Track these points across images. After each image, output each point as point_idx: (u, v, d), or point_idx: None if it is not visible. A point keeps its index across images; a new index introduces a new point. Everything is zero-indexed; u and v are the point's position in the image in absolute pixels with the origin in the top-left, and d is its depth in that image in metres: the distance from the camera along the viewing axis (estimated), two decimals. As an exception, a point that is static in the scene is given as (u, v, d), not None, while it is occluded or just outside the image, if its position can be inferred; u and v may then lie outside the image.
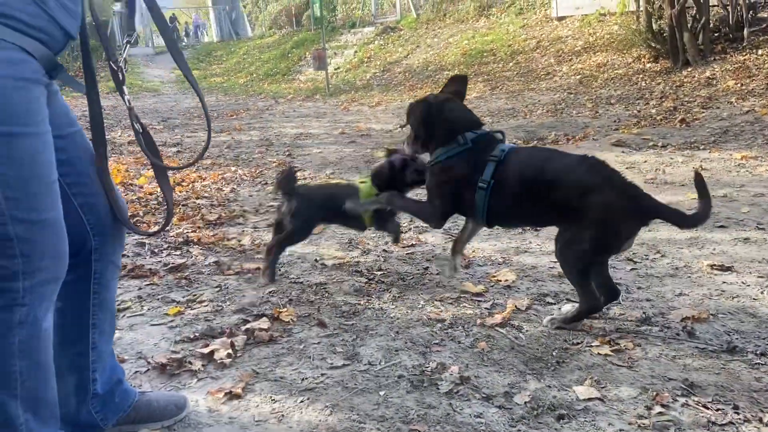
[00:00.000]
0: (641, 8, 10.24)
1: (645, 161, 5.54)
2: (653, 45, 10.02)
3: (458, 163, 2.55)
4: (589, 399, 1.97)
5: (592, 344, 2.34)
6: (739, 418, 1.85)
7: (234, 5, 32.81)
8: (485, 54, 13.77)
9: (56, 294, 1.42)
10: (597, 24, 12.77)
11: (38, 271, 1.33)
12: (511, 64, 12.71)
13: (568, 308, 2.59)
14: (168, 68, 22.31)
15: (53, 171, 1.36)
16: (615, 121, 7.63)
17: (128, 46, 1.63)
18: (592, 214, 2.30)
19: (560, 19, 13.91)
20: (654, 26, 9.99)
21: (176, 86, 18.18)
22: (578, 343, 2.35)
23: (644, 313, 2.59)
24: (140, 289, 3.00)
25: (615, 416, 1.88)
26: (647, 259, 3.25)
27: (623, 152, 6.00)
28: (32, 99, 1.31)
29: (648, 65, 10.02)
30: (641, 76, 9.71)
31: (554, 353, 2.28)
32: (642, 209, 2.35)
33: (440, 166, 2.61)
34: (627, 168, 5.31)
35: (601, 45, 11.80)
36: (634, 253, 3.32)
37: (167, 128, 9.72)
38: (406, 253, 3.55)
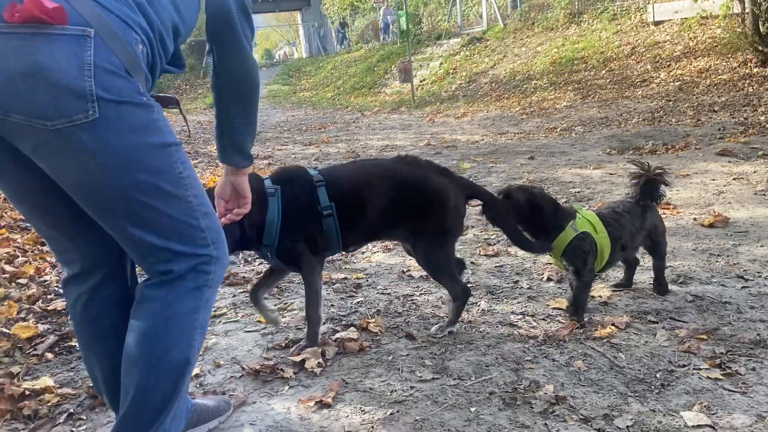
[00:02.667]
0: (747, 10, 9.58)
1: (755, 171, 5.15)
2: (761, 48, 9.35)
3: (289, 211, 2.28)
4: (699, 426, 1.82)
5: (701, 367, 2.17)
6: None
7: (322, 21, 33.76)
8: (576, 62, 13.36)
9: None
10: (698, 28, 12.09)
11: (223, 256, 1.54)
12: (603, 71, 12.26)
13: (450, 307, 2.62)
14: (260, 84, 23.20)
15: None
16: (719, 130, 7.16)
17: None
18: (437, 203, 2.36)
19: (657, 23, 13.28)
20: (761, 29, 9.32)
21: (267, 101, 18.89)
22: (685, 366, 2.19)
23: (758, 335, 2.38)
24: (234, 296, 3.10)
25: (729, 447, 1.73)
26: (760, 276, 3.00)
27: (730, 162, 5.61)
28: None
29: (755, 70, 9.36)
30: (748, 81, 9.08)
31: (658, 375, 2.14)
32: (465, 187, 2.48)
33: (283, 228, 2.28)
34: (735, 179, 4.97)
35: (703, 50, 11.15)
36: (745, 270, 3.08)
37: (259, 141, 10.08)
38: (495, 266, 3.47)
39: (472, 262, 3.56)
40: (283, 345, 2.46)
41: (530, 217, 2.58)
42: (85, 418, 1.98)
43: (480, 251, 3.76)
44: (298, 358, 2.29)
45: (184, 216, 1.45)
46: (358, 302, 2.97)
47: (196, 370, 2.25)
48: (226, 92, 1.67)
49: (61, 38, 1.22)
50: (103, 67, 1.26)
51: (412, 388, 2.11)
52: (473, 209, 3.24)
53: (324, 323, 2.70)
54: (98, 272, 1.60)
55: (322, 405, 1.99)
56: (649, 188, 2.76)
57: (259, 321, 2.74)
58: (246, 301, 3.01)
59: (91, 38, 1.24)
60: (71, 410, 2.02)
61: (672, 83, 10.18)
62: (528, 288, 3.10)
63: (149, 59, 1.41)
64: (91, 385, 2.11)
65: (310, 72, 25.62)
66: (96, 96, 1.25)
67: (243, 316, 2.82)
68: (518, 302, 2.90)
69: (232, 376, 2.25)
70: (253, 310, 2.81)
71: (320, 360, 2.27)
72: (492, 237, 4.08)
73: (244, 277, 3.33)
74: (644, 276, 3.14)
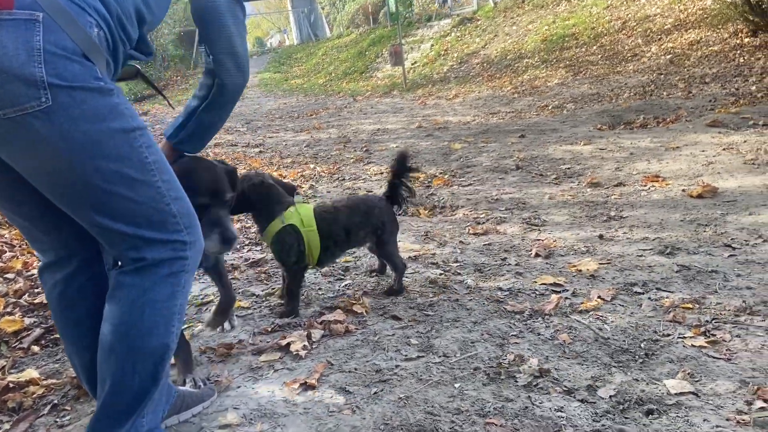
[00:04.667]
0: (737, -21, 9.50)
1: (745, 141, 5.12)
2: (751, 18, 9.27)
3: None
4: (682, 393, 1.83)
5: (685, 335, 2.17)
6: None
7: (312, 7, 33.45)
8: (567, 38, 13.26)
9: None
10: (688, 0, 11.99)
11: (197, 240, 1.52)
12: (594, 47, 12.17)
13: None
14: (251, 73, 23.00)
15: None
16: (711, 101, 7.12)
17: None
18: None
19: (647, -4, 13.16)
20: (752, -2, 9.24)
21: (259, 90, 18.77)
22: (669, 335, 2.19)
23: (744, 302, 2.38)
24: (222, 283, 3.09)
25: (711, 411, 1.73)
26: (747, 244, 2.99)
27: (720, 133, 5.59)
28: None
29: (746, 40, 9.29)
30: (738, 51, 9.02)
31: (642, 345, 2.14)
32: None
33: None
34: (724, 149, 4.95)
35: (694, 21, 11.06)
36: (732, 239, 3.08)
37: (250, 130, 10.03)
38: (483, 245, 3.46)
39: (461, 241, 3.56)
40: (269, 330, 2.46)
41: (248, 206, 2.51)
42: (69, 408, 1.98)
43: (469, 230, 3.75)
44: (284, 342, 2.29)
45: (153, 202, 1.42)
46: (345, 285, 2.96)
47: (180, 357, 2.25)
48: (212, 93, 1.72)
49: (7, 23, 1.19)
50: (53, 52, 1.22)
51: (396, 366, 2.11)
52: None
53: (310, 306, 2.70)
54: (73, 261, 1.59)
55: (306, 387, 1.99)
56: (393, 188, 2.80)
57: (245, 307, 2.73)
58: (234, 287, 3.00)
59: (39, 22, 1.21)
60: (55, 401, 2.02)
61: (663, 56, 10.11)
62: (516, 264, 3.09)
63: (109, 44, 1.38)
64: (75, 375, 2.11)
65: (301, 59, 25.42)
66: (48, 83, 1.22)
67: (230, 302, 2.81)
68: (505, 279, 2.90)
69: (219, 362, 2.25)
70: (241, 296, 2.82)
71: (306, 343, 2.27)
72: (481, 216, 4.07)
73: (232, 264, 3.31)
74: (632, 248, 3.14)
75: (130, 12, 1.41)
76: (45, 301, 2.83)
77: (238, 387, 2.03)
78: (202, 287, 3.04)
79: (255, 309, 2.71)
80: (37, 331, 2.55)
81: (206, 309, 2.78)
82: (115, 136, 1.34)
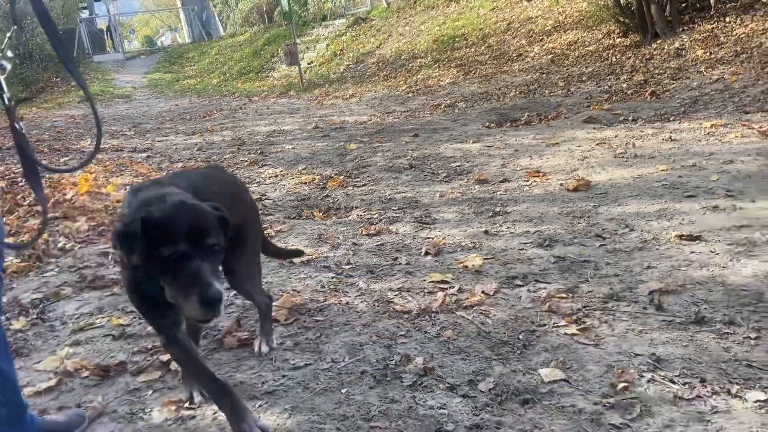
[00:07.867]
0: (608, -17, 10.19)
1: (616, 136, 5.51)
2: (622, 20, 9.98)
3: None
4: (555, 381, 1.93)
5: (559, 324, 2.30)
6: (707, 391, 1.82)
7: (204, 5, 32.37)
8: (457, 39, 13.67)
9: None
10: (566, 2, 12.71)
11: None
12: (483, 47, 12.63)
13: None
14: (140, 73, 22.02)
15: None
16: (587, 99, 7.60)
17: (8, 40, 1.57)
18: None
19: (529, -1, 13.84)
20: (621, 1, 9.95)
21: (148, 91, 17.93)
22: (545, 325, 2.31)
23: (611, 288, 2.55)
24: (100, 299, 2.91)
25: (580, 397, 1.84)
26: (616, 234, 3.21)
27: (594, 128, 5.97)
28: None
29: (618, 40, 9.99)
30: (611, 51, 9.68)
31: (521, 336, 2.24)
32: None
33: None
34: (597, 144, 5.29)
35: (571, 23, 11.75)
36: (603, 230, 3.29)
37: (138, 134, 9.55)
38: (376, 245, 3.49)
39: (354, 243, 3.57)
40: (150, 347, 2.34)
41: None
42: None
43: (362, 231, 3.77)
44: (165, 358, 2.20)
45: None
46: (234, 294, 2.88)
47: (51, 383, 2.10)
48: None
49: None
50: None
51: (284, 377, 2.08)
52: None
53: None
54: None
55: (187, 405, 1.92)
56: None
57: (122, 324, 2.59)
58: (112, 304, 2.84)
59: None
60: None
61: (545, 56, 10.66)
62: (407, 264, 3.14)
63: None
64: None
65: (193, 58, 24.53)
66: None
67: (108, 320, 2.66)
68: (396, 279, 2.94)
69: (95, 385, 2.12)
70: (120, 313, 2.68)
71: (188, 358, 2.18)
72: (375, 216, 4.11)
73: (112, 279, 3.13)
74: (514, 242, 3.28)
75: None
76: None
77: (113, 412, 1.92)
78: (78, 304, 2.85)
79: (135, 326, 2.58)
80: None
81: (87, 329, 2.60)
82: None
